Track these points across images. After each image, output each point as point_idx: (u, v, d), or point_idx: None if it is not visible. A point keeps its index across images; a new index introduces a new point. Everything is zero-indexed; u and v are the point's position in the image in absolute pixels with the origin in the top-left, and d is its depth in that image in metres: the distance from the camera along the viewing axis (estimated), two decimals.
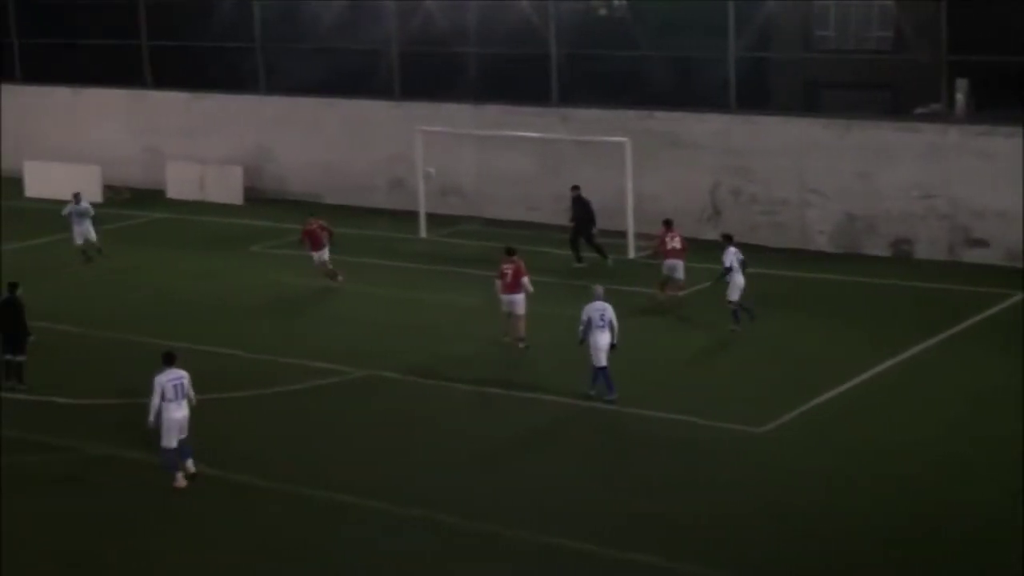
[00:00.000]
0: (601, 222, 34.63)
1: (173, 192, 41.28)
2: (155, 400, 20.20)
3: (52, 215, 35.35)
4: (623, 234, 33.40)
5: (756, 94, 35.37)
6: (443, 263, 33.22)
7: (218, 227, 37.26)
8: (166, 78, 42.89)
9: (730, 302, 27.13)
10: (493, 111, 37.14)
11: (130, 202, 40.71)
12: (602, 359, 23.25)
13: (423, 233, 35.49)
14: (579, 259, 32.62)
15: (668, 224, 29.39)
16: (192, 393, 20.55)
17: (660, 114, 35.30)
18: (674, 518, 19.23)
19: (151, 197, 41.11)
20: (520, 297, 26.48)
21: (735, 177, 34.59)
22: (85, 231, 33.59)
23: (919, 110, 33.78)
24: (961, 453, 21.29)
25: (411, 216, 36.05)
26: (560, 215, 35.94)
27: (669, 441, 22.16)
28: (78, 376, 25.40)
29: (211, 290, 31.52)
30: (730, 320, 27.14)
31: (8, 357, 24.69)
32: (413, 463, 21.42)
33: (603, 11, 38.99)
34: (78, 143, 43.22)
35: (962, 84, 32.76)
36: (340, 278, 31.08)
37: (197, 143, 41.72)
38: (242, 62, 41.79)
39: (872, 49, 35.92)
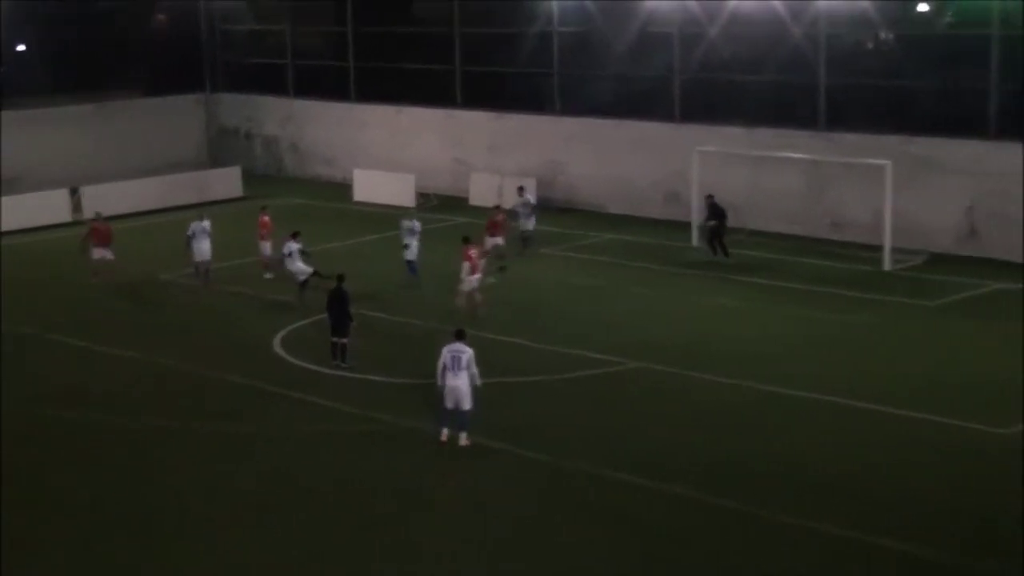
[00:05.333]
0: (861, 237, 34.34)
1: (475, 199, 41.95)
2: (439, 366, 20.80)
3: (375, 216, 36.22)
4: (880, 248, 32.54)
5: (1017, 123, 33.39)
6: (712, 269, 32.81)
7: (512, 231, 37.57)
8: (474, 99, 43.62)
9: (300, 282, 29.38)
10: (765, 134, 36.52)
11: (438, 207, 41.51)
12: (411, 256, 30.92)
13: (694, 242, 35.11)
14: (722, 253, 33.28)
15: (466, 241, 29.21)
16: (475, 370, 20.78)
17: (920, 139, 34.03)
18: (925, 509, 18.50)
19: (456, 203, 41.84)
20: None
21: (993, 199, 32.97)
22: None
23: None
24: None
25: (684, 226, 35.76)
26: (823, 229, 35.41)
27: (921, 439, 21.21)
28: (397, 357, 25.95)
29: (505, 287, 31.58)
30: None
31: (334, 339, 25.34)
32: (680, 446, 21.07)
33: (870, 44, 37.79)
34: (398, 155, 44.38)
35: None
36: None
37: (498, 157, 42.34)
38: (541, 86, 42.14)
39: None
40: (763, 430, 21.91)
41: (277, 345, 26.92)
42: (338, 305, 25.30)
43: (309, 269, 29.73)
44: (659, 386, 24.19)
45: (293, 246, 29.98)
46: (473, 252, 28.31)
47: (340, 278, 25.67)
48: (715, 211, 33.73)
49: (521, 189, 36.24)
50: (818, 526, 18.08)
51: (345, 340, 25.21)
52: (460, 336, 21.19)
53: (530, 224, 34.80)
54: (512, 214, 34.81)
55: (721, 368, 24.73)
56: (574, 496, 19.39)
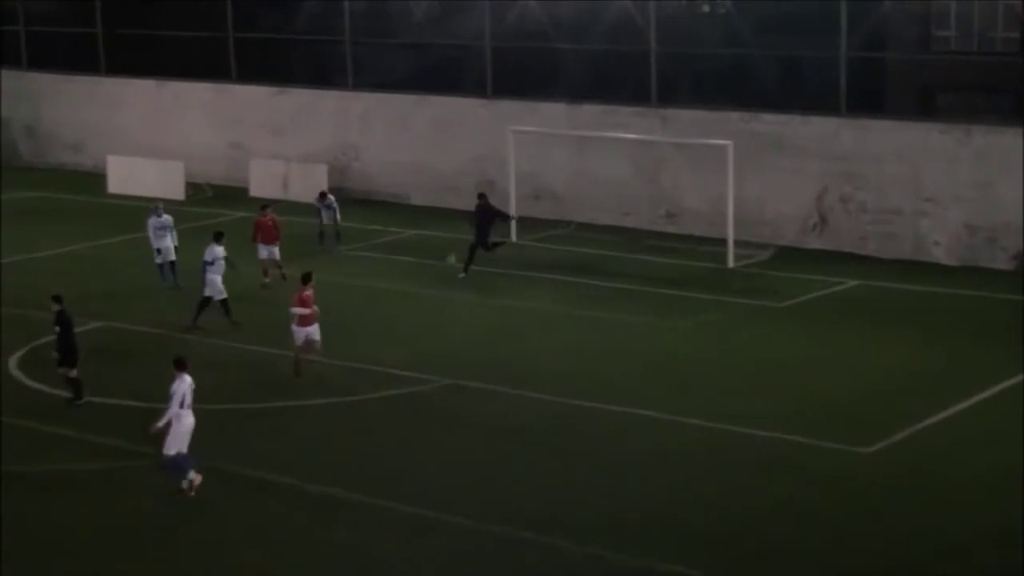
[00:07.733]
0: (700, 228, 34.58)
1: (256, 190, 40.98)
2: (174, 407, 20.20)
3: (134, 212, 35.29)
4: (723, 242, 32.79)
5: (868, 97, 34.27)
6: (533, 268, 32.66)
7: (301, 227, 36.77)
8: (251, 71, 42.81)
9: None
10: (589, 111, 36.61)
11: (212, 200, 40.52)
12: (171, 258, 30.90)
13: (513, 237, 34.92)
14: (465, 269, 31.96)
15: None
16: None
17: (765, 116, 34.50)
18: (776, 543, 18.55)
19: (234, 195, 40.91)
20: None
21: (844, 184, 33.60)
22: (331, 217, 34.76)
23: None
24: None
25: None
26: (657, 220, 35.62)
27: (772, 462, 21.24)
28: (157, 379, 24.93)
29: (290, 293, 31.04)
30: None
31: (62, 372, 24.11)
32: (498, 476, 20.77)
33: (706, 7, 38.28)
34: (162, 138, 43.30)
35: None
36: (268, 279, 31.18)
37: (282, 140, 41.60)
38: (329, 56, 41.61)
39: (996, 51, 34.69)
40: (588, 454, 21.76)
41: (14, 367, 26.03)
42: (62, 333, 24.03)
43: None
44: (473, 407, 23.96)
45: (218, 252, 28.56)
46: (309, 293, 25.85)
47: (57, 299, 24.26)
48: (480, 215, 32.33)
49: (323, 195, 35.25)
50: (656, 565, 17.94)
51: (74, 373, 24.06)
52: (185, 367, 20.60)
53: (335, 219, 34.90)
54: (315, 210, 34.96)
55: (542, 384, 24.62)
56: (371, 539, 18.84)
